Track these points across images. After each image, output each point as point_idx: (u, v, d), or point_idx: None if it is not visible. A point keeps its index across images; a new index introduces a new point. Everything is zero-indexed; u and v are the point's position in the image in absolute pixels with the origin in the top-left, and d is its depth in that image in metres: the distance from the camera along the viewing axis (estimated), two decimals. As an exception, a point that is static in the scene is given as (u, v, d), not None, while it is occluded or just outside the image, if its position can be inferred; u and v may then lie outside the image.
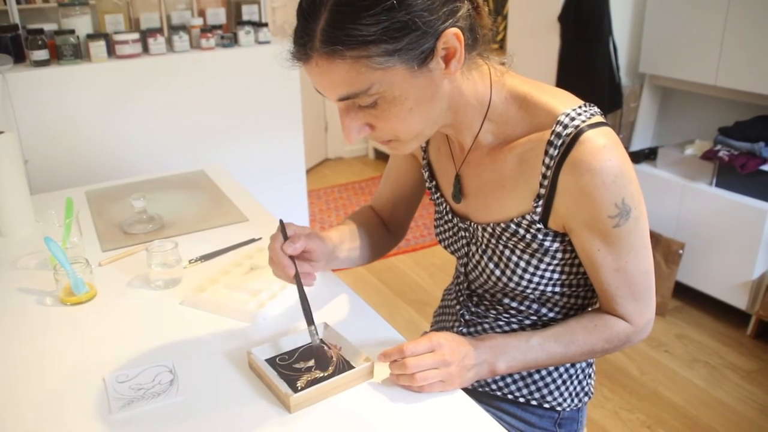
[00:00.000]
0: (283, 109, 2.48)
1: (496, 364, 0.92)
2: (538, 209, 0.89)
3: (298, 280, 0.95)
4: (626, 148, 2.81)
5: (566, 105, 0.87)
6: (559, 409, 1.06)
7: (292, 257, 0.96)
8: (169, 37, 2.28)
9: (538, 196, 0.88)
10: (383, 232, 1.22)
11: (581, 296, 1.01)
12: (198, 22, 2.32)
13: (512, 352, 0.93)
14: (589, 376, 1.09)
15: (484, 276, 1.01)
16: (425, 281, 2.97)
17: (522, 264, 0.95)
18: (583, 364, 1.07)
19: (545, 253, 0.93)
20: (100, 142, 2.17)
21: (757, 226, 2.32)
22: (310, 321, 0.94)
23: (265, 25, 2.40)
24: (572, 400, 1.06)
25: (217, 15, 2.39)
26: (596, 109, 0.89)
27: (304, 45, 0.78)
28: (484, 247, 0.99)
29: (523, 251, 0.94)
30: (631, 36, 2.78)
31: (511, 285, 0.97)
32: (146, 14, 2.27)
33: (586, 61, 2.63)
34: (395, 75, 0.77)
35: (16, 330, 1.06)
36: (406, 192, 1.19)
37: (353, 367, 0.91)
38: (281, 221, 0.98)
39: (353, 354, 0.93)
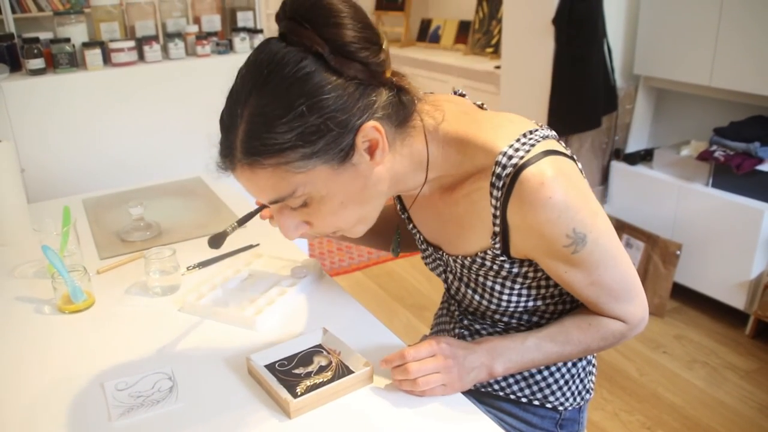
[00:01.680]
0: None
1: (493, 366, 0.93)
2: (497, 245, 0.89)
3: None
4: (622, 149, 2.84)
5: (504, 140, 0.84)
6: (561, 408, 1.06)
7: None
8: (165, 44, 2.28)
9: (494, 234, 0.88)
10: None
11: (568, 301, 1.01)
12: (193, 29, 2.32)
13: (509, 354, 0.93)
14: (590, 373, 1.09)
15: (466, 301, 1.02)
16: (423, 286, 2.97)
17: (497, 287, 0.96)
18: (584, 362, 1.07)
19: (517, 275, 0.94)
20: (97, 149, 2.17)
21: (754, 225, 2.33)
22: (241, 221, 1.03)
23: (261, 31, 2.41)
24: (574, 399, 1.07)
25: (212, 22, 2.40)
26: (541, 133, 0.86)
27: (227, 156, 0.81)
28: (459, 274, 1.00)
29: (495, 277, 0.95)
30: (626, 38, 2.80)
31: (493, 307, 0.98)
32: (141, 22, 2.27)
33: (581, 64, 2.64)
34: (318, 175, 0.78)
35: (14, 339, 1.06)
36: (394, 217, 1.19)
37: (352, 372, 0.91)
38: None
39: (352, 359, 0.93)
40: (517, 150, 0.83)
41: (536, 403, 1.05)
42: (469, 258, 0.94)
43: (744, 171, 2.34)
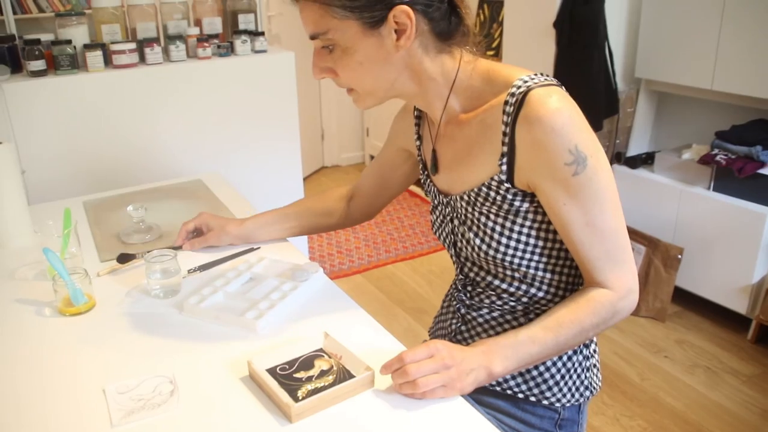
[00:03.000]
0: (279, 118, 2.48)
1: (491, 366, 0.93)
2: (503, 167, 0.94)
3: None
4: (623, 153, 2.84)
5: (524, 74, 0.95)
6: (558, 405, 1.06)
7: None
8: (166, 46, 2.28)
9: (502, 155, 0.94)
10: (329, 214, 1.37)
11: (566, 273, 1.02)
12: (194, 31, 2.32)
13: (504, 351, 0.94)
14: (588, 369, 1.09)
15: (468, 248, 1.05)
16: (423, 289, 2.97)
17: (498, 228, 0.99)
18: (580, 357, 1.07)
19: (517, 215, 0.97)
20: (98, 151, 2.17)
21: (756, 229, 2.32)
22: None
23: (262, 34, 2.41)
24: (572, 395, 1.06)
25: (214, 24, 2.39)
26: (555, 81, 0.95)
27: None
28: (463, 218, 1.05)
29: (497, 215, 0.99)
30: (627, 41, 2.80)
31: (491, 252, 1.01)
32: (143, 24, 2.27)
33: (582, 67, 2.64)
34: (349, 28, 0.91)
35: (14, 341, 1.06)
36: (394, 181, 1.30)
37: (354, 377, 0.91)
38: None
39: (353, 363, 0.93)
40: (532, 78, 0.93)
41: (533, 399, 1.06)
42: (475, 190, 0.99)
43: (746, 175, 2.34)
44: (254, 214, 1.39)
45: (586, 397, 1.09)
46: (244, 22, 2.44)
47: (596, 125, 2.70)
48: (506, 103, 0.92)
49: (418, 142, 1.15)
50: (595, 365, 1.11)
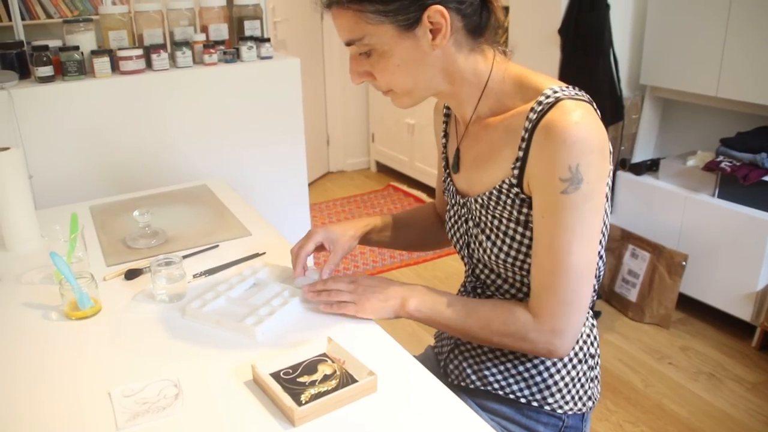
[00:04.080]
0: (285, 123, 2.49)
1: (407, 302, 1.04)
2: (515, 171, 0.96)
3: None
4: (628, 159, 2.84)
5: (555, 84, 0.95)
6: (560, 412, 1.06)
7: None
8: (172, 52, 2.29)
9: (516, 159, 0.95)
10: (429, 227, 1.35)
11: None
12: (201, 37, 2.33)
13: (425, 297, 1.04)
14: (592, 380, 1.09)
15: (480, 250, 1.07)
16: (428, 294, 2.97)
17: (510, 233, 1.00)
18: (585, 367, 1.07)
19: (527, 220, 0.98)
20: (104, 157, 2.18)
21: (761, 237, 2.32)
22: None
23: (268, 40, 2.42)
24: (575, 404, 1.07)
25: (220, 31, 2.41)
26: (587, 97, 0.95)
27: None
28: (477, 220, 1.06)
29: (509, 219, 1.00)
30: (632, 48, 2.80)
31: (502, 256, 1.02)
32: (149, 30, 2.28)
33: (587, 74, 2.64)
34: (385, 32, 0.92)
35: (21, 344, 1.07)
36: None
37: (357, 381, 0.91)
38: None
39: (356, 368, 0.94)
40: (564, 90, 0.93)
41: (535, 404, 1.06)
42: (488, 192, 1.01)
43: (751, 182, 2.34)
44: (364, 218, 1.29)
45: (588, 408, 1.09)
46: (250, 28, 2.45)
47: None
48: (532, 110, 0.93)
49: (444, 140, 1.17)
50: (596, 377, 1.11)
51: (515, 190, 0.97)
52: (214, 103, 2.32)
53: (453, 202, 1.14)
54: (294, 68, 2.44)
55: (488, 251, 1.05)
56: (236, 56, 2.37)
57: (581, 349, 1.07)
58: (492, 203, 1.01)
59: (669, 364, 2.39)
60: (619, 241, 2.83)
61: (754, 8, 2.31)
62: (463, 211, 1.11)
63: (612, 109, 2.71)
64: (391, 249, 1.39)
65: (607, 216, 0.99)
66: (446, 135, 1.17)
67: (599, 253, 1.01)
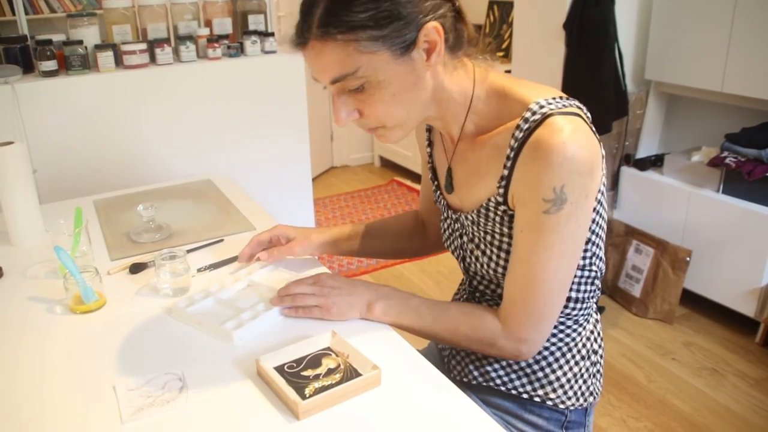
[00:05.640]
0: (289, 118, 2.49)
1: (374, 304, 1.03)
2: (501, 190, 0.94)
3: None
4: (632, 155, 2.83)
5: (541, 96, 0.91)
6: (562, 407, 1.06)
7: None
8: (176, 47, 2.29)
9: (502, 178, 0.93)
10: (409, 236, 1.32)
11: (573, 289, 1.02)
12: (204, 32, 2.33)
13: (391, 301, 1.03)
14: (594, 375, 1.09)
15: (477, 265, 1.06)
16: (432, 290, 2.97)
17: (504, 246, 0.99)
18: (588, 363, 1.07)
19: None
20: (108, 151, 2.19)
21: (765, 232, 2.31)
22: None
23: (272, 34, 2.42)
24: (577, 399, 1.07)
25: (224, 25, 2.41)
26: (576, 102, 0.93)
27: (304, 31, 0.88)
28: (470, 235, 1.05)
29: (501, 235, 0.99)
30: (637, 43, 2.79)
31: (500, 270, 1.01)
32: (153, 24, 2.28)
33: (592, 69, 2.63)
34: (380, 60, 0.86)
35: (26, 338, 1.07)
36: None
37: (361, 375, 0.91)
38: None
39: (361, 362, 0.94)
40: (550, 103, 0.90)
41: (537, 399, 1.06)
42: (476, 210, 1.00)
43: (755, 177, 2.33)
44: (334, 226, 1.30)
45: (590, 403, 1.09)
46: (254, 22, 2.45)
47: (605, 127, 2.69)
48: (518, 127, 0.90)
49: (429, 149, 1.15)
50: (599, 371, 1.11)
51: (502, 207, 0.95)
52: (218, 98, 2.32)
53: (446, 215, 1.12)
54: (298, 63, 2.43)
55: (484, 266, 1.04)
56: (240, 50, 2.37)
57: (584, 345, 1.07)
58: (482, 220, 1.00)
59: (672, 360, 2.39)
60: (623, 237, 2.83)
61: (760, 3, 2.30)
62: (456, 225, 1.09)
63: (616, 104, 2.71)
64: (367, 258, 1.38)
65: (602, 218, 0.99)
66: (431, 144, 1.14)
67: (598, 254, 1.01)
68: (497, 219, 0.97)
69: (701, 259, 2.56)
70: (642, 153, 2.92)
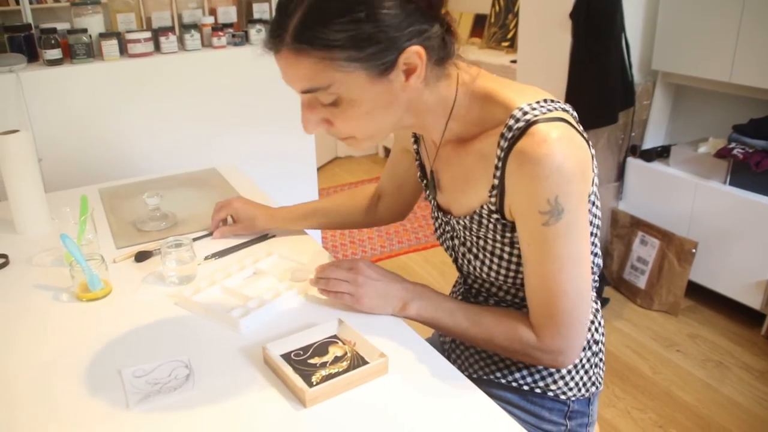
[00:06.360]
0: (293, 108, 2.47)
1: (409, 304, 1.01)
2: (493, 199, 0.92)
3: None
4: (639, 146, 2.82)
5: (525, 100, 0.89)
6: (564, 397, 1.06)
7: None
8: (181, 35, 2.29)
9: (493, 187, 0.91)
10: (364, 211, 1.36)
11: None
12: (209, 20, 2.32)
13: (426, 302, 1.01)
14: (596, 365, 1.09)
15: (471, 268, 1.05)
16: (436, 279, 2.97)
17: (497, 252, 0.98)
18: (589, 353, 1.06)
19: (511, 242, 0.96)
20: (113, 140, 2.18)
21: (772, 224, 2.30)
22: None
23: (277, 23, 2.41)
24: (578, 390, 1.06)
25: (228, 13, 2.40)
26: (561, 104, 0.90)
27: (276, 37, 0.84)
28: (462, 239, 1.04)
29: (494, 241, 0.98)
30: (644, 33, 2.77)
31: (493, 274, 1.01)
32: (158, 13, 2.27)
33: (598, 59, 2.62)
34: (356, 79, 0.83)
35: (32, 326, 1.07)
36: (409, 182, 1.28)
37: (367, 363, 0.91)
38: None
39: (367, 350, 0.93)
40: (533, 109, 0.87)
41: (538, 390, 1.06)
42: (469, 216, 0.98)
43: (763, 169, 2.31)
44: (285, 206, 1.37)
45: (592, 393, 1.09)
46: (259, 11, 2.44)
47: (611, 118, 2.68)
48: (502, 136, 0.87)
49: (415, 146, 1.13)
50: (601, 360, 1.11)
51: (495, 216, 0.94)
52: (223, 87, 2.32)
53: (436, 215, 1.11)
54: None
55: (477, 269, 1.04)
56: (245, 39, 2.36)
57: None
58: (474, 226, 0.99)
59: (677, 352, 2.38)
60: (628, 228, 2.82)
61: (769, -8, 2.28)
62: (447, 227, 1.08)
63: (623, 95, 2.69)
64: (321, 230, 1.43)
65: (596, 216, 0.98)
66: (416, 138, 1.12)
67: (593, 250, 1.00)
68: (490, 226, 0.96)
69: (707, 251, 2.55)
70: (648, 144, 2.91)
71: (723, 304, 2.61)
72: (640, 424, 2.02)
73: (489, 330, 0.97)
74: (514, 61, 3.32)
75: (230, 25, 2.34)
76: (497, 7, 4.10)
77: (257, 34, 2.34)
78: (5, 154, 1.37)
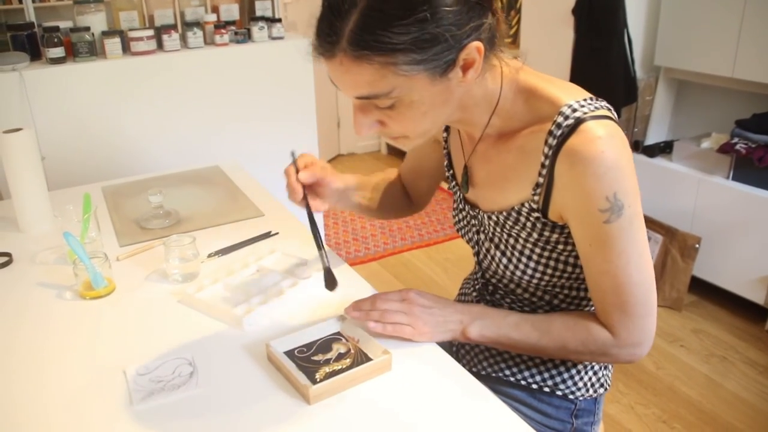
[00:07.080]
0: (296, 105, 2.49)
1: (469, 326, 0.96)
2: (536, 198, 0.90)
3: (307, 205, 1.04)
4: (641, 141, 2.82)
5: (572, 97, 0.87)
6: (572, 397, 1.06)
7: (304, 186, 1.05)
8: (183, 33, 2.29)
9: (537, 185, 0.90)
10: (401, 195, 1.30)
11: (581, 287, 1.01)
12: (212, 18, 2.32)
13: (487, 321, 0.96)
14: (605, 367, 1.09)
15: (494, 264, 1.03)
16: (439, 276, 2.97)
17: (527, 252, 0.96)
18: None
19: (546, 243, 0.94)
20: (116, 138, 2.19)
21: (775, 219, 2.30)
22: (319, 246, 1.01)
23: (279, 20, 2.41)
24: (586, 390, 1.06)
25: (231, 11, 2.40)
26: (605, 103, 0.89)
27: (330, 43, 0.79)
28: (491, 235, 1.02)
29: (526, 240, 0.96)
30: (647, 28, 2.76)
31: (518, 273, 0.99)
32: (160, 11, 2.28)
33: (601, 55, 2.61)
34: (417, 82, 0.80)
35: (36, 324, 1.07)
36: (427, 168, 1.24)
37: (371, 360, 0.91)
38: (293, 153, 1.08)
39: (371, 347, 0.94)
40: (582, 106, 0.85)
41: (546, 390, 1.05)
42: (504, 212, 0.96)
43: (766, 164, 2.31)
44: (348, 175, 1.20)
45: (600, 394, 1.09)
46: (261, 8, 2.44)
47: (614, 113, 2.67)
48: (550, 133, 0.86)
49: (445, 134, 1.11)
50: (610, 365, 1.10)
51: (536, 214, 0.92)
52: (226, 84, 2.32)
53: (461, 206, 1.09)
54: (305, 49, 2.42)
55: (501, 267, 1.01)
56: (247, 36, 2.36)
57: None
58: (509, 223, 0.96)
59: (681, 347, 2.38)
60: (631, 224, 2.81)
61: (772, -13, 2.27)
62: (474, 221, 1.06)
63: (626, 91, 2.69)
64: (362, 214, 1.25)
65: None
66: (447, 128, 1.11)
67: None
68: (528, 225, 0.94)
69: (710, 246, 2.55)
70: (651, 139, 2.90)
71: (726, 299, 2.61)
72: (644, 420, 2.02)
73: (561, 336, 0.94)
74: (516, 58, 3.31)
75: (233, 23, 2.34)
76: (500, 4, 4.09)
77: (259, 31, 2.35)
78: (8, 152, 1.38)
